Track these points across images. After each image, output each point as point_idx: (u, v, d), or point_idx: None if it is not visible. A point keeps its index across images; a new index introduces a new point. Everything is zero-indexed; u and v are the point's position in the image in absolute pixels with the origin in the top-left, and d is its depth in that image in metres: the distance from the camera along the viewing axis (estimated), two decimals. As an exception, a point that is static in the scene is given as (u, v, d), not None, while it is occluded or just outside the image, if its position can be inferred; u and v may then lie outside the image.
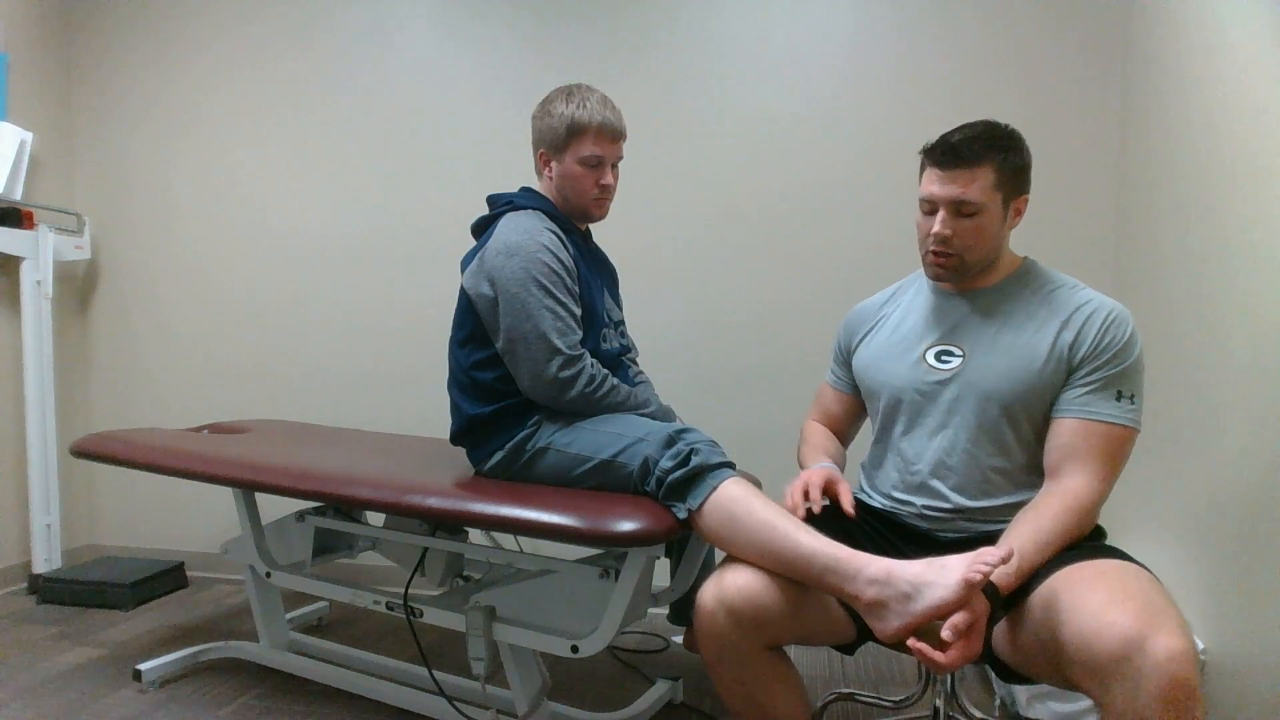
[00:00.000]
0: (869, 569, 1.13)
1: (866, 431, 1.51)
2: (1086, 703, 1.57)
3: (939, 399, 1.31)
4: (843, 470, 1.47)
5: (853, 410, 1.56)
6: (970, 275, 1.32)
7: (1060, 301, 1.28)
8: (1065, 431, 1.22)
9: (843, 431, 1.58)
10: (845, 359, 1.52)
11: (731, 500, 1.29)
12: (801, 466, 1.48)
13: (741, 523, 1.26)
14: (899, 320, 1.42)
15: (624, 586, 1.45)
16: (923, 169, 1.32)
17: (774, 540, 1.21)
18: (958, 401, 1.29)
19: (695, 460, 1.36)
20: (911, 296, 1.44)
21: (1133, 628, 0.92)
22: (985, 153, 1.23)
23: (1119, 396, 1.21)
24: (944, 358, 1.33)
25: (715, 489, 1.32)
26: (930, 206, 1.28)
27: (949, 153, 1.24)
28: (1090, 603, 0.98)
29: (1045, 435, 1.26)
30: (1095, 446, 1.19)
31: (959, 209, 1.25)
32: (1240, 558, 1.42)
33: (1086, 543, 1.18)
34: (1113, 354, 1.22)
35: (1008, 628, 1.13)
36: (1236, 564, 1.43)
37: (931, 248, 1.30)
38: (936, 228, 1.27)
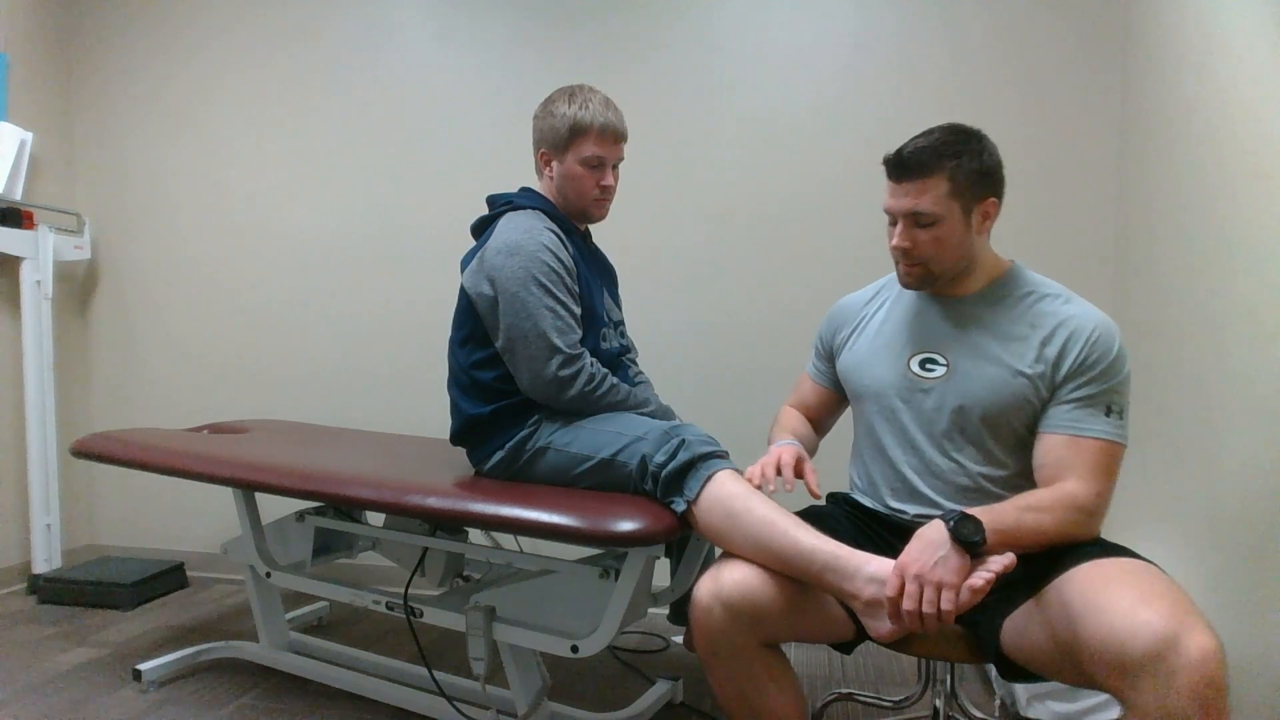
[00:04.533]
0: (868, 567, 1.13)
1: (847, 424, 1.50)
2: (1087, 703, 1.58)
3: (923, 407, 1.31)
4: (812, 456, 1.46)
5: (830, 404, 1.56)
6: (941, 283, 1.32)
7: (1043, 313, 1.26)
8: (1056, 447, 1.21)
9: (819, 422, 1.57)
10: (827, 353, 1.52)
11: (730, 496, 1.29)
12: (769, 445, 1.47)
13: (740, 519, 1.26)
14: (881, 322, 1.42)
15: (624, 586, 1.45)
16: None
17: (773, 537, 1.21)
18: (940, 411, 1.29)
19: (684, 453, 1.36)
20: (894, 297, 1.43)
21: (1166, 627, 0.93)
22: (936, 162, 1.22)
23: (1108, 412, 1.20)
24: (928, 366, 1.32)
25: (710, 478, 1.33)
26: (891, 218, 1.29)
27: (899, 165, 1.25)
28: (1120, 602, 0.98)
29: (1031, 444, 1.25)
30: (1087, 460, 1.18)
31: (915, 220, 1.25)
32: (1244, 560, 1.42)
33: (1097, 543, 1.17)
34: (1100, 370, 1.20)
35: (1019, 624, 1.13)
36: (1240, 567, 1.43)
37: (898, 259, 1.31)
38: (895, 240, 1.28)
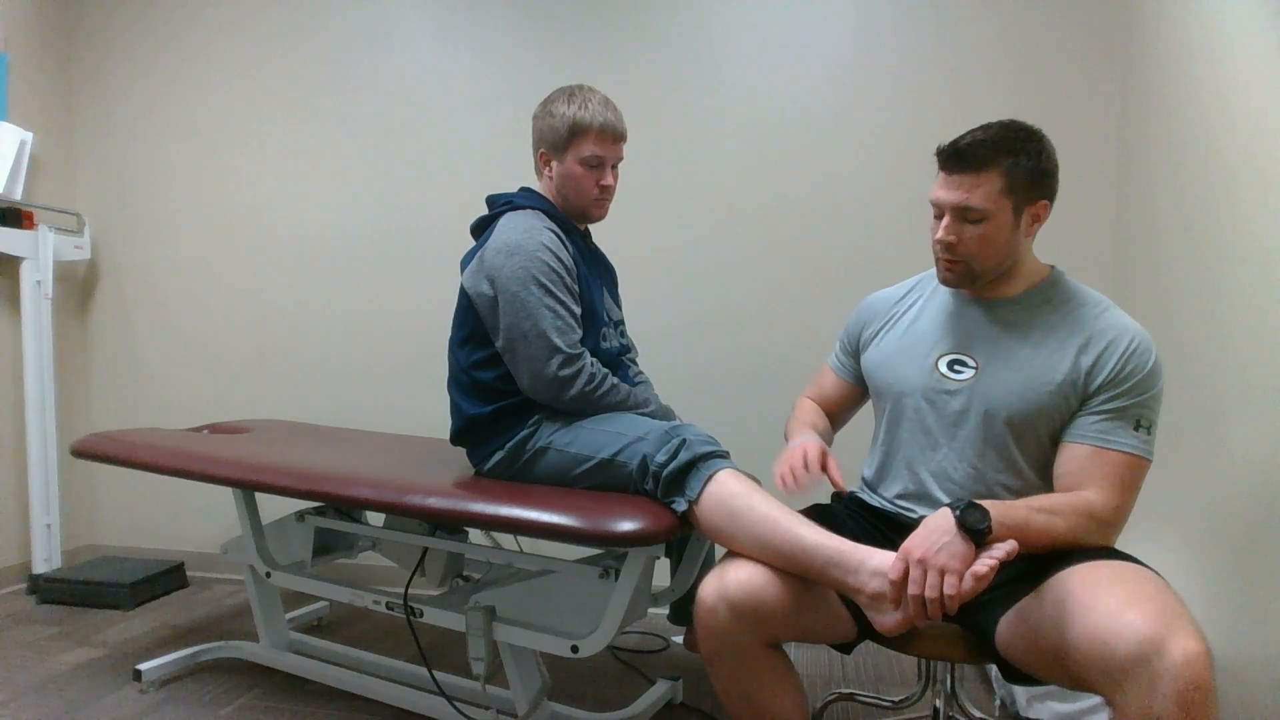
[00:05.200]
0: (872, 561, 1.13)
1: (867, 423, 1.50)
2: (1087, 703, 1.57)
3: (947, 409, 1.29)
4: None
5: (850, 398, 1.54)
6: (982, 283, 1.29)
7: (1082, 321, 1.24)
8: (1079, 457, 1.19)
9: (836, 416, 1.56)
10: (853, 349, 1.50)
11: (732, 495, 1.30)
12: (787, 439, 1.46)
13: (742, 517, 1.26)
14: (912, 320, 1.39)
15: (624, 586, 1.45)
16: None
17: (776, 534, 1.21)
18: (965, 414, 1.27)
19: (685, 453, 1.36)
20: (928, 296, 1.41)
21: (1150, 630, 0.92)
22: (992, 157, 1.19)
23: (1137, 426, 1.18)
24: (956, 368, 1.30)
25: (711, 478, 1.33)
26: (938, 210, 1.26)
27: (954, 156, 1.21)
28: (1106, 603, 0.98)
29: (1054, 455, 1.24)
30: (1110, 473, 1.16)
31: (963, 215, 1.22)
32: (1245, 562, 1.42)
33: (1097, 546, 1.17)
34: (1134, 383, 1.18)
35: (1014, 626, 1.13)
36: (1240, 568, 1.43)
37: (939, 254, 1.28)
38: (940, 234, 1.24)
